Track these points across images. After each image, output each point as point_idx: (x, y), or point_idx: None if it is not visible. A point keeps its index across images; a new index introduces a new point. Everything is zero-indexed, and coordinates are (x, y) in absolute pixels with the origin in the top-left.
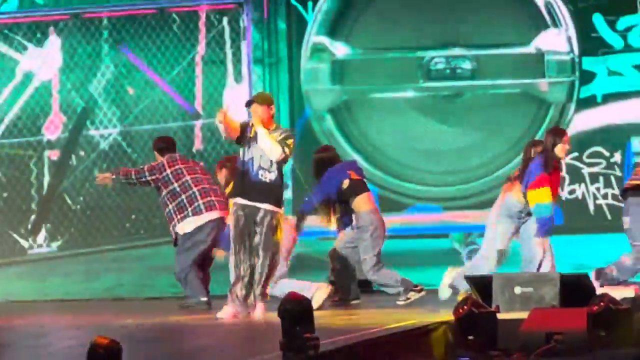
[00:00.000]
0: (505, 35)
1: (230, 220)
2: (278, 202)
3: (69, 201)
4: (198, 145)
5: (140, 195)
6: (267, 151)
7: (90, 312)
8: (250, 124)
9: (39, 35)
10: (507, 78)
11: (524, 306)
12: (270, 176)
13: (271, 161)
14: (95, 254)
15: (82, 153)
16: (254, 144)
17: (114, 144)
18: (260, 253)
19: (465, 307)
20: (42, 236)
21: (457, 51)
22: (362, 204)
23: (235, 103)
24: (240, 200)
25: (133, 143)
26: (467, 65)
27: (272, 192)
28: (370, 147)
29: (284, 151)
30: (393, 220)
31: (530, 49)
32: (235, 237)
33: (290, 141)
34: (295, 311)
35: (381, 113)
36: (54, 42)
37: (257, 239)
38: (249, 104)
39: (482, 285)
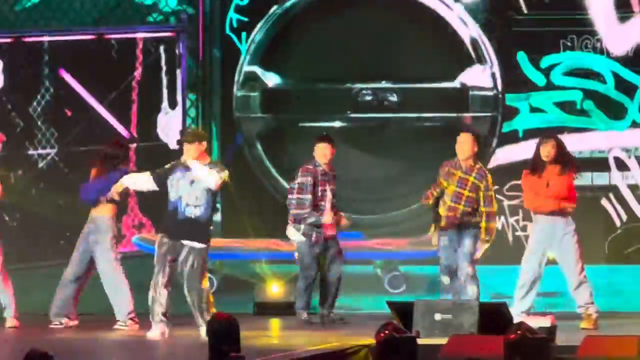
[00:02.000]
0: (431, 69)
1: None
2: (204, 238)
3: (6, 218)
4: (132, 167)
5: (75, 214)
6: (204, 180)
7: (25, 325)
8: (180, 165)
9: None
10: (432, 111)
11: (443, 332)
12: (196, 212)
13: (197, 197)
14: (30, 270)
15: (19, 172)
16: (182, 181)
17: (51, 164)
18: (188, 292)
19: (386, 331)
20: None
21: (384, 84)
22: None
23: (168, 127)
24: (164, 238)
25: (70, 163)
26: (393, 97)
27: (199, 228)
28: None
29: (220, 177)
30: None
31: (455, 84)
32: (157, 260)
33: (224, 172)
34: (222, 330)
35: (308, 141)
36: None
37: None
38: (179, 143)
39: (403, 310)
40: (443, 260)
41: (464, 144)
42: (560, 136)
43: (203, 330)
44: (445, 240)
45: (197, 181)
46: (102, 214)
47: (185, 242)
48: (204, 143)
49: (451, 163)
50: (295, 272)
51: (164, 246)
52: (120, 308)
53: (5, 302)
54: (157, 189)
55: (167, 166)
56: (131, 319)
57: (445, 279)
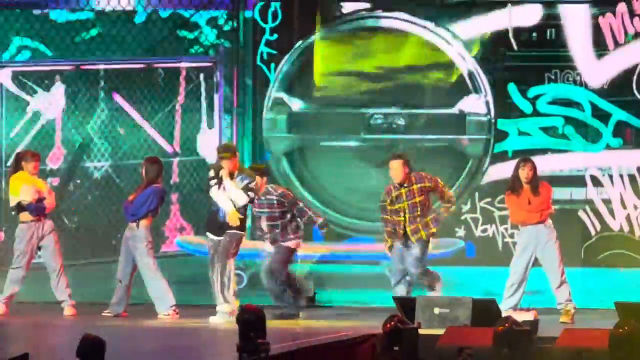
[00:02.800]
0: (434, 97)
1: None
2: (238, 227)
3: (66, 221)
4: (175, 178)
5: (123, 218)
6: (233, 199)
7: (80, 313)
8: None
9: (46, 81)
10: (434, 134)
11: (441, 324)
12: None
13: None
14: (86, 265)
15: (78, 181)
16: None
17: (105, 175)
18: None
19: (392, 322)
20: None
21: (393, 109)
22: None
23: (207, 144)
24: (211, 236)
25: (121, 174)
26: (401, 121)
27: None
28: (318, 186)
29: (247, 196)
30: (335, 248)
31: (454, 110)
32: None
33: (252, 185)
34: (251, 319)
35: (328, 158)
36: (59, 87)
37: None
38: (220, 158)
39: (407, 305)
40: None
41: (397, 170)
42: (538, 157)
43: (217, 314)
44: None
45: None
46: (139, 223)
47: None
48: (237, 156)
49: (391, 188)
50: (310, 271)
51: (211, 244)
52: (162, 302)
53: (62, 297)
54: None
55: (210, 174)
56: (173, 310)
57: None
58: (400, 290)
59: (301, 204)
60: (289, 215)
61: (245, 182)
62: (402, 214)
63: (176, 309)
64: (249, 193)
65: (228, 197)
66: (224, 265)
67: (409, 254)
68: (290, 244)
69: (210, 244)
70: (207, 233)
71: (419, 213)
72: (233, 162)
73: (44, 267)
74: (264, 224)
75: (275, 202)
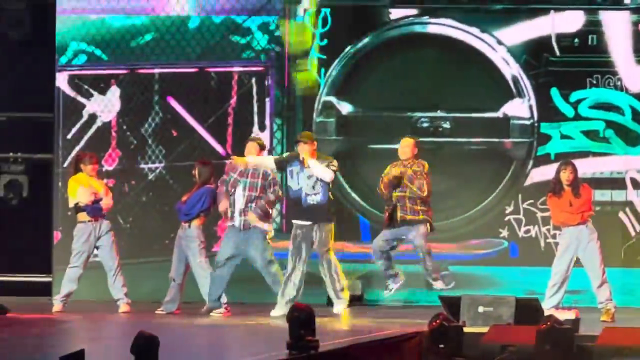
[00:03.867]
0: (479, 102)
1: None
2: (327, 219)
3: (120, 221)
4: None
5: (176, 218)
6: (320, 176)
7: (135, 311)
8: (296, 158)
9: (102, 85)
10: (479, 137)
11: (485, 322)
12: (316, 198)
13: (314, 187)
14: (141, 264)
15: (133, 182)
16: (301, 175)
17: (159, 176)
18: (320, 265)
19: (438, 321)
20: None
21: (439, 113)
22: None
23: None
24: (297, 222)
25: (175, 176)
26: (446, 125)
27: (321, 212)
28: (366, 187)
29: (333, 172)
30: None
31: (498, 114)
32: (292, 249)
33: (334, 163)
34: (301, 317)
35: (376, 160)
36: (114, 91)
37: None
38: (296, 143)
39: (452, 303)
40: None
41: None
42: (580, 160)
43: (338, 304)
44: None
45: (313, 175)
46: (191, 223)
47: (314, 224)
48: (315, 142)
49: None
50: (363, 270)
51: (297, 238)
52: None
53: (118, 295)
54: (275, 170)
55: (285, 155)
56: (225, 308)
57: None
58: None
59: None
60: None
61: (326, 162)
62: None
63: (228, 307)
64: (332, 170)
65: (309, 176)
66: (329, 261)
67: None
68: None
69: (298, 232)
70: (295, 220)
71: None
72: (312, 148)
73: (101, 265)
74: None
75: None
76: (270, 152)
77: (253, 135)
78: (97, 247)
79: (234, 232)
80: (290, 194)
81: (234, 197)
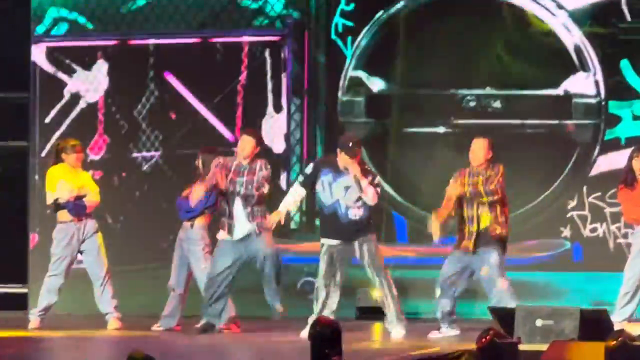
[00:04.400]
0: (535, 77)
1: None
2: (372, 231)
3: (109, 220)
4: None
5: (176, 216)
6: (369, 199)
7: (127, 327)
8: (327, 164)
9: (87, 59)
10: (535, 118)
11: (544, 338)
12: (359, 212)
13: (355, 199)
14: (133, 272)
15: (124, 174)
16: (335, 185)
17: (155, 166)
18: (379, 284)
19: (488, 337)
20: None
21: (488, 90)
22: None
23: (273, 131)
24: (331, 242)
25: (174, 166)
26: (497, 104)
27: (366, 227)
28: (401, 178)
29: (377, 192)
30: (421, 250)
31: (558, 91)
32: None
33: (377, 181)
34: (325, 334)
35: (414, 147)
36: (101, 66)
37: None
38: (341, 151)
39: (505, 316)
40: None
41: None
42: None
43: (400, 328)
44: None
45: (352, 186)
46: (195, 222)
47: (355, 241)
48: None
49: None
50: (398, 277)
51: (331, 257)
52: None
53: (107, 308)
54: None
55: (309, 171)
56: (234, 323)
57: None
58: (445, 305)
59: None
60: None
61: (370, 177)
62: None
63: (237, 322)
64: (377, 189)
65: (347, 187)
66: (387, 278)
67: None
68: None
69: (332, 251)
70: (329, 240)
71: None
72: (357, 159)
73: (86, 273)
74: None
75: None
76: (287, 139)
77: (246, 130)
78: (81, 252)
79: (233, 243)
80: (325, 209)
81: (232, 204)
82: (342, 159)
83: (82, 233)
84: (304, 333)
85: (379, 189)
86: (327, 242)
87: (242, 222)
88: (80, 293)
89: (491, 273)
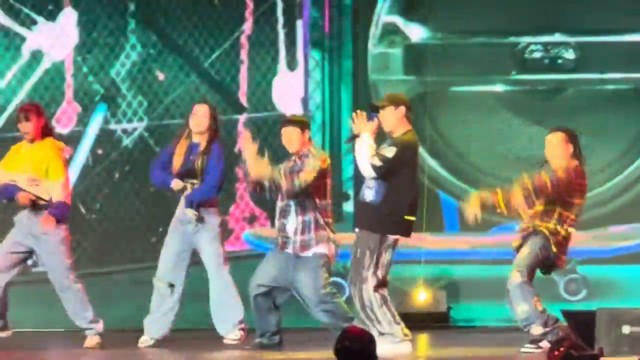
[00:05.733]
0: (617, 19)
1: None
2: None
3: (82, 210)
4: (241, 145)
5: (170, 203)
6: (362, 164)
7: (105, 345)
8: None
9: (50, 7)
10: (618, 71)
11: (632, 349)
12: (369, 195)
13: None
14: (113, 275)
15: (99, 151)
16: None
17: (139, 141)
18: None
19: (562, 348)
20: None
21: (557, 37)
22: None
23: (287, 94)
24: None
25: (163, 140)
26: (569, 54)
27: (372, 215)
28: (449, 151)
29: (381, 167)
30: (475, 241)
31: None
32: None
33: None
34: (354, 348)
35: (464, 110)
36: (68, 15)
37: None
38: (376, 109)
39: (583, 322)
40: None
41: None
42: None
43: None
44: None
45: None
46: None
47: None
48: (402, 108)
49: None
50: (449, 276)
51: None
52: (225, 319)
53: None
54: None
55: None
56: (241, 329)
57: None
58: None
59: None
60: None
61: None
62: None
63: (244, 327)
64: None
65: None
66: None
67: None
68: None
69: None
70: (358, 229)
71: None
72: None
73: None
74: None
75: None
76: (305, 103)
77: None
78: (30, 254)
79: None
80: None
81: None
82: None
83: (34, 226)
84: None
85: (378, 163)
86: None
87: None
88: (47, 304)
89: None
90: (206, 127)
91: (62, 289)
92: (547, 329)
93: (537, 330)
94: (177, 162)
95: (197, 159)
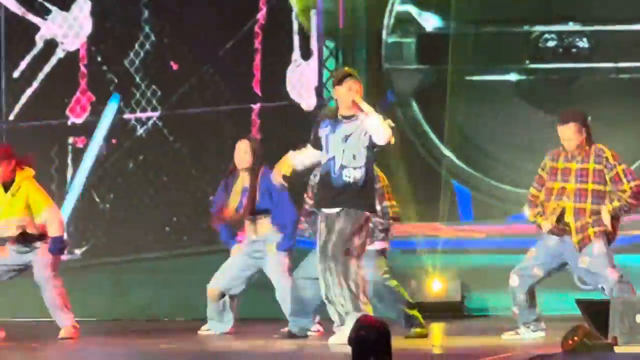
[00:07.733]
0: (631, 8)
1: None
2: (364, 206)
3: (96, 199)
4: (255, 134)
5: (184, 192)
6: (374, 131)
7: (118, 335)
8: (327, 116)
9: None
10: (634, 60)
11: None
12: (356, 174)
13: (354, 156)
14: (127, 264)
15: (113, 141)
16: (332, 137)
17: (152, 131)
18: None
19: (576, 337)
20: None
21: (571, 26)
22: None
23: (301, 83)
24: (326, 210)
25: (176, 129)
26: (584, 43)
27: (359, 195)
28: (464, 140)
29: (390, 134)
30: (490, 230)
31: None
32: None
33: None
34: (370, 338)
35: (478, 100)
36: (82, 5)
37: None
38: (341, 81)
39: (596, 311)
40: None
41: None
42: None
43: (338, 333)
44: None
45: (355, 135)
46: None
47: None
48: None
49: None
50: (463, 265)
51: (324, 224)
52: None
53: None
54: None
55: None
56: (319, 322)
57: None
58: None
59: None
60: None
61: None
62: (565, 198)
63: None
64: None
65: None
66: (344, 264)
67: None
68: None
69: (323, 225)
70: (319, 209)
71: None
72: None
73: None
74: None
75: None
76: (319, 92)
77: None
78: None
79: None
80: (321, 170)
81: None
82: (341, 91)
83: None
84: (334, 339)
85: (391, 125)
86: (323, 211)
87: None
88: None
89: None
90: (249, 164)
91: (43, 291)
92: None
93: None
94: (234, 202)
95: (250, 197)
